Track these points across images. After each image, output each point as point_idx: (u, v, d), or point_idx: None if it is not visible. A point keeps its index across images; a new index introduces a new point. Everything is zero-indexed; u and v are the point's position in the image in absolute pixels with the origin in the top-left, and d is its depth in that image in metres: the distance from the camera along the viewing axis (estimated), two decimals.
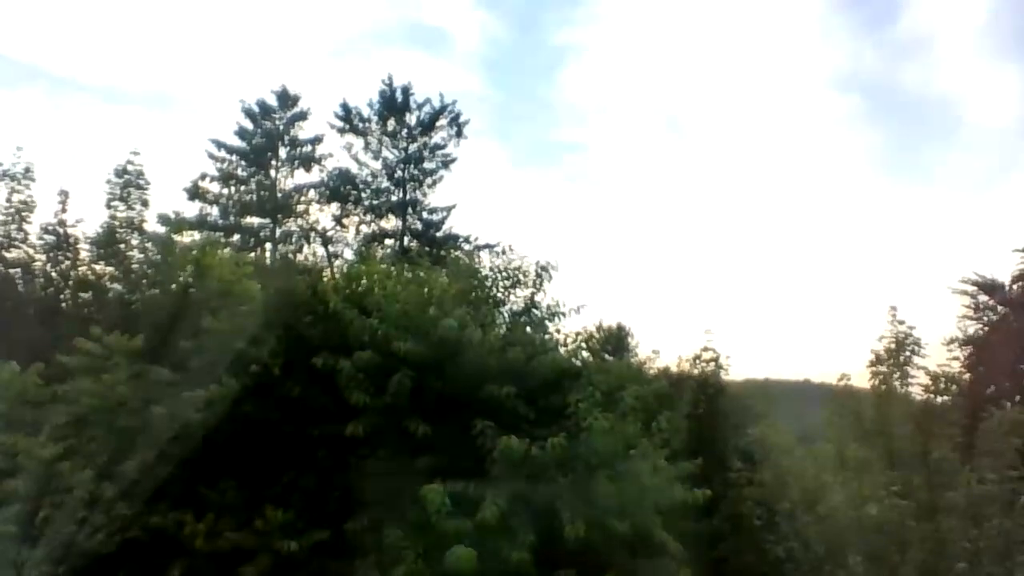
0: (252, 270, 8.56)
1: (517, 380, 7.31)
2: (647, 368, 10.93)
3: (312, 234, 19.24)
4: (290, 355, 7.23)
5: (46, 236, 8.69)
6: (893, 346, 8.34)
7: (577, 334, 8.80)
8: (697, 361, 9.81)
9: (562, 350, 8.55)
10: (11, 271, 8.41)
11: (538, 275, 8.29)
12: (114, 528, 5.68)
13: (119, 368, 6.47)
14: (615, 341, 15.25)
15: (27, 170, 8.92)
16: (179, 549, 5.80)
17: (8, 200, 8.61)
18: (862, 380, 8.76)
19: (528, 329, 8.47)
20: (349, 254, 19.35)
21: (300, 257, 18.11)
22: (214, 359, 7.18)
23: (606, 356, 12.35)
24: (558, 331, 8.58)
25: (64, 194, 8.86)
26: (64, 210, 8.78)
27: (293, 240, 19.13)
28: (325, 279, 11.16)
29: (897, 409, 8.21)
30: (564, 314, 8.31)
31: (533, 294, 8.42)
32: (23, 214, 8.66)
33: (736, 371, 10.27)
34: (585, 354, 8.68)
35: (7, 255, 8.41)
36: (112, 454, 5.96)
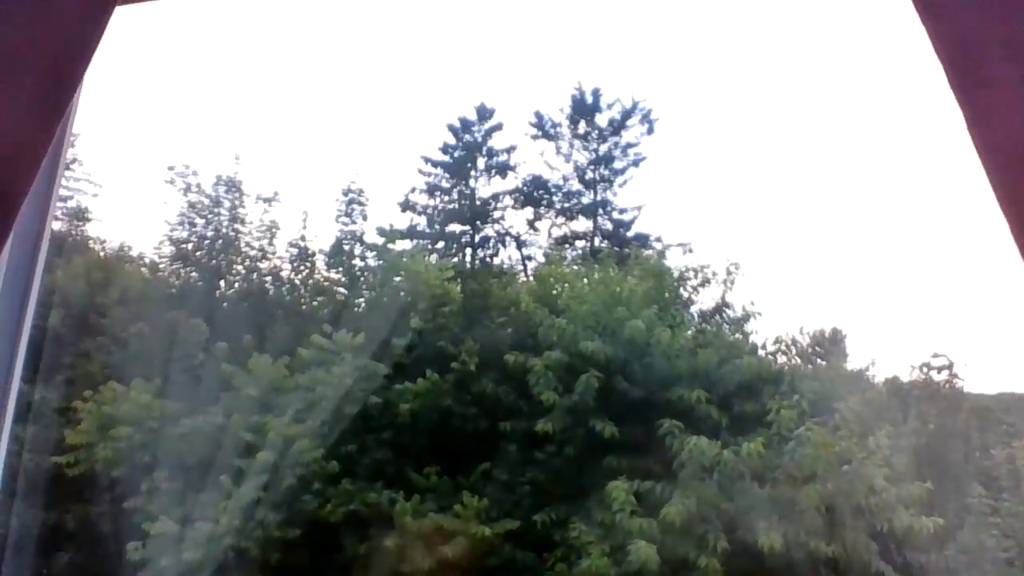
0: (453, 274, 9.33)
1: (708, 384, 7.03)
2: (867, 376, 9.77)
3: (507, 238, 20.33)
4: (485, 354, 7.72)
5: (291, 249, 10.28)
6: None
7: (779, 338, 8.21)
8: (926, 369, 8.53)
9: (761, 353, 8.04)
10: (264, 279, 10.07)
11: (729, 273, 7.87)
12: (339, 501, 6.57)
13: (344, 362, 7.47)
14: (828, 346, 13.83)
15: (275, 193, 10.62)
16: (391, 524, 6.49)
17: (262, 220, 10.33)
18: None
19: (723, 330, 8.09)
20: (542, 257, 20.02)
21: (496, 260, 19.22)
22: (421, 356, 8.00)
23: (817, 361, 11.27)
24: (755, 333, 8.09)
25: (305, 213, 10.40)
26: (305, 227, 10.30)
27: (490, 245, 20.38)
28: (519, 281, 11.72)
29: None
30: (760, 315, 7.78)
31: (724, 293, 8.01)
32: (273, 231, 10.33)
33: (978, 382, 8.75)
34: (785, 359, 8.04)
35: (261, 266, 10.09)
36: (339, 436, 6.90)
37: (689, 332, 7.89)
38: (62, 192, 10.34)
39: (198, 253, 10.30)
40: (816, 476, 6.06)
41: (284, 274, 10.04)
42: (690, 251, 9.84)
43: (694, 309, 8.49)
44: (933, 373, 8.44)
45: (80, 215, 10.35)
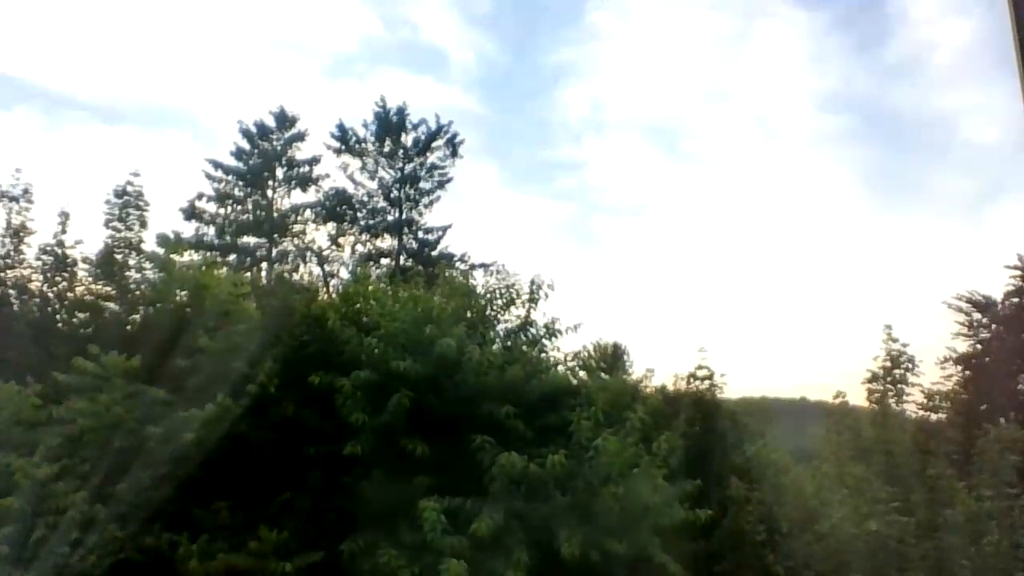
0: (249, 290, 8.58)
1: (516, 399, 7.29)
2: (643, 387, 10.92)
3: (308, 254, 19.33)
4: (286, 374, 7.21)
5: (44, 257, 8.70)
6: (888, 364, 8.41)
7: (575, 353, 8.83)
8: (692, 379, 9.81)
9: (560, 368, 8.56)
10: (9, 291, 8.39)
11: (532, 293, 8.32)
12: (108, 550, 5.60)
13: (115, 388, 6.45)
14: (612, 360, 15.24)
15: (25, 191, 8.96)
16: (173, 571, 5.72)
17: (7, 222, 8.64)
18: (858, 398, 8.80)
19: (525, 348, 8.48)
20: (345, 274, 19.42)
21: (296, 277, 18.16)
22: (210, 379, 7.15)
23: (603, 375, 12.34)
24: (556, 350, 8.61)
25: (64, 215, 8.89)
26: (64, 231, 8.80)
27: (289, 260, 19.21)
28: (322, 298, 11.18)
29: (894, 427, 8.23)
30: (560, 332, 8.32)
31: (528, 312, 8.44)
32: (21, 235, 8.68)
33: (732, 389, 10.26)
34: (583, 373, 8.68)
35: (3, 275, 8.40)
36: (106, 474, 5.92)
37: (496, 348, 8.16)
38: None
39: None
40: (610, 480, 6.60)
41: (34, 285, 8.46)
42: (496, 271, 10.22)
43: (500, 327, 8.81)
44: (697, 383, 9.77)
45: None
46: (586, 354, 9.08)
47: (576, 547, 5.94)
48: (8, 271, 8.36)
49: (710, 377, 9.75)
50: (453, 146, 21.70)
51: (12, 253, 8.44)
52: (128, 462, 6.12)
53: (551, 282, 8.38)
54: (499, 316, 8.71)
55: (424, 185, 21.18)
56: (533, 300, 8.46)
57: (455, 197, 21.95)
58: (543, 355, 8.52)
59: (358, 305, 8.34)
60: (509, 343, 8.58)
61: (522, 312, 8.58)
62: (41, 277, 8.52)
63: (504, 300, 8.65)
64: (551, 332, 8.48)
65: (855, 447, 8.32)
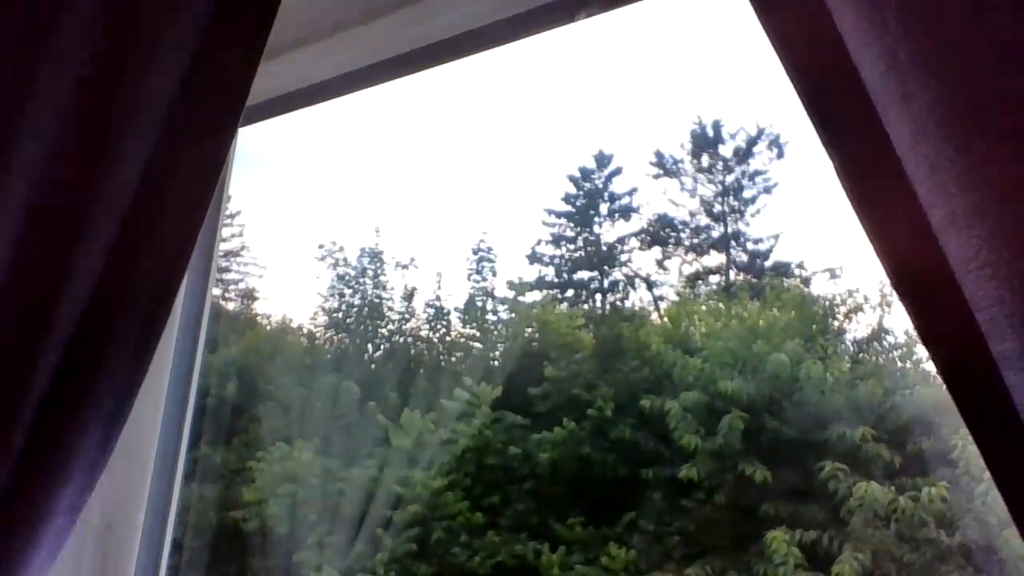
0: (583, 321, 9.38)
1: (874, 420, 6.38)
2: None
3: (636, 280, 20.04)
4: (620, 399, 7.59)
5: (428, 310, 10.89)
6: None
7: None
8: None
9: (936, 383, 7.19)
10: (407, 340, 10.71)
11: (883, 296, 7.18)
12: (487, 553, 6.65)
13: (483, 414, 7.69)
14: None
15: (412, 259, 11.39)
16: None
17: (405, 287, 11.12)
18: None
19: (881, 360, 7.35)
20: (674, 296, 19.48)
21: (627, 304, 18.97)
22: (556, 405, 8.04)
23: None
24: (926, 360, 7.26)
25: (439, 275, 11.07)
26: (439, 287, 10.92)
27: (619, 288, 20.20)
28: (651, 323, 11.48)
29: None
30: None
31: (881, 319, 7.30)
32: (411, 294, 11.02)
33: None
34: None
35: (403, 327, 10.76)
36: (482, 487, 7.05)
37: (845, 364, 7.26)
38: (234, 275, 11.78)
39: (348, 320, 11.20)
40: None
41: (424, 333, 10.63)
42: (837, 276, 9.14)
43: (848, 338, 7.81)
44: None
45: (249, 295, 11.73)
46: None
47: None
48: (405, 324, 10.66)
49: None
50: (777, 147, 20.18)
51: (408, 310, 10.75)
52: (497, 477, 7.20)
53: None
54: (844, 327, 7.76)
55: (747, 194, 20.09)
56: (886, 304, 7.33)
57: (787, 201, 20.29)
58: (909, 367, 7.26)
59: (684, 327, 8.36)
60: (860, 356, 7.55)
61: (874, 320, 7.51)
62: (427, 326, 10.63)
63: (849, 308, 7.68)
64: (916, 340, 7.19)
65: None
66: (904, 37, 0.69)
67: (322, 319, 11.21)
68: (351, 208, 12.03)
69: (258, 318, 11.61)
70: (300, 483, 7.19)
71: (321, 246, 11.02)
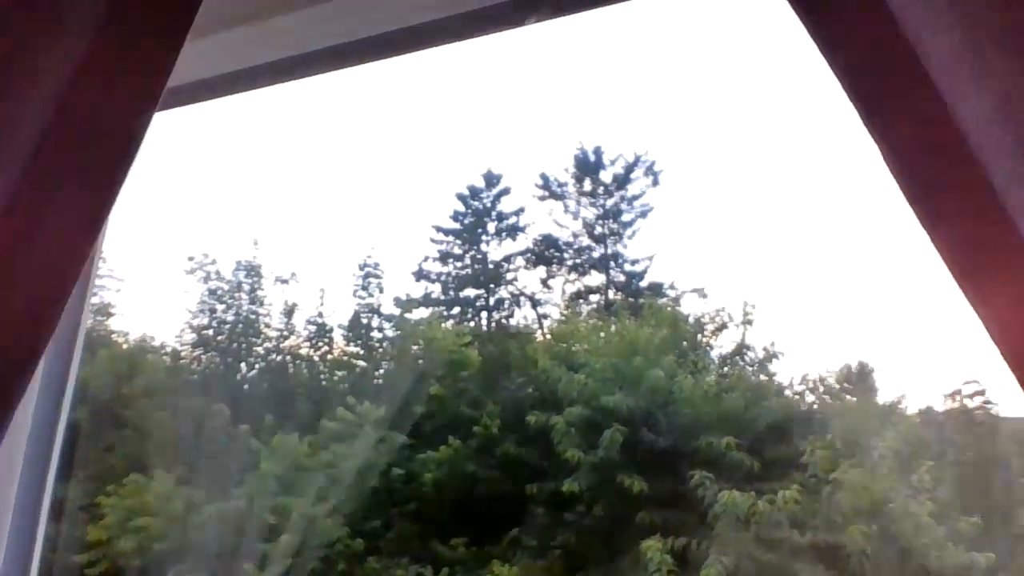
0: (470, 339, 9.38)
1: (737, 429, 6.88)
2: (899, 410, 9.48)
3: (522, 298, 20.48)
4: (505, 415, 7.65)
5: (309, 327, 10.42)
6: None
7: (805, 376, 8.06)
8: (958, 397, 8.26)
9: (788, 394, 7.89)
10: (285, 358, 10.18)
11: (746, 315, 7.80)
12: None
13: (366, 434, 7.44)
14: (856, 381, 13.49)
15: (292, 273, 10.87)
16: None
17: (284, 302, 10.56)
18: None
19: (744, 374, 7.96)
20: (557, 314, 20.07)
21: (513, 321, 19.29)
22: (441, 423, 7.95)
23: (846, 398, 10.98)
24: (778, 374, 7.95)
25: (322, 290, 10.63)
26: (322, 303, 10.48)
27: (505, 306, 20.52)
28: (536, 340, 11.72)
29: None
30: (782, 355, 7.66)
31: (743, 335, 7.92)
32: (292, 311, 10.51)
33: (1013, 406, 8.40)
34: (813, 397, 7.86)
35: (281, 346, 10.22)
36: (363, 512, 6.79)
37: (711, 377, 7.78)
38: None
39: (219, 338, 10.47)
40: (858, 518, 5.81)
41: (304, 351, 10.15)
42: (704, 296, 9.80)
43: (714, 354, 8.39)
44: (966, 400, 8.16)
45: (103, 310, 10.64)
46: (819, 377, 8.22)
47: None
48: (284, 342, 10.13)
49: (982, 392, 8.12)
50: (652, 174, 21.49)
51: (287, 327, 10.23)
52: (379, 501, 6.97)
53: (759, 304, 7.81)
54: (711, 343, 8.33)
55: (626, 218, 21.21)
56: (747, 322, 7.96)
57: (660, 225, 21.59)
58: (764, 380, 7.92)
59: (567, 344, 8.60)
60: (725, 370, 8.13)
61: (737, 336, 8.13)
62: (308, 344, 10.17)
63: (716, 325, 8.27)
64: (772, 355, 7.87)
65: None
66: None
67: (189, 336, 10.41)
68: (226, 218, 11.27)
69: (113, 335, 10.57)
70: (158, 516, 6.56)
71: (191, 258, 10.24)
